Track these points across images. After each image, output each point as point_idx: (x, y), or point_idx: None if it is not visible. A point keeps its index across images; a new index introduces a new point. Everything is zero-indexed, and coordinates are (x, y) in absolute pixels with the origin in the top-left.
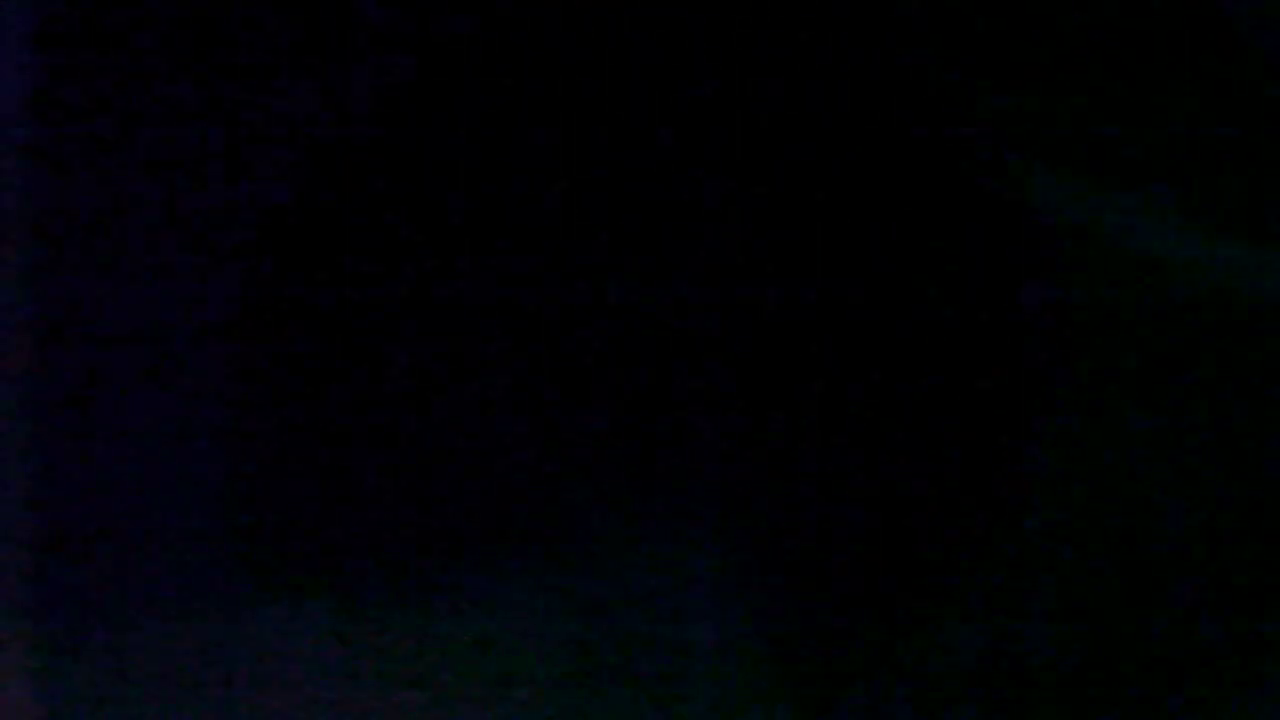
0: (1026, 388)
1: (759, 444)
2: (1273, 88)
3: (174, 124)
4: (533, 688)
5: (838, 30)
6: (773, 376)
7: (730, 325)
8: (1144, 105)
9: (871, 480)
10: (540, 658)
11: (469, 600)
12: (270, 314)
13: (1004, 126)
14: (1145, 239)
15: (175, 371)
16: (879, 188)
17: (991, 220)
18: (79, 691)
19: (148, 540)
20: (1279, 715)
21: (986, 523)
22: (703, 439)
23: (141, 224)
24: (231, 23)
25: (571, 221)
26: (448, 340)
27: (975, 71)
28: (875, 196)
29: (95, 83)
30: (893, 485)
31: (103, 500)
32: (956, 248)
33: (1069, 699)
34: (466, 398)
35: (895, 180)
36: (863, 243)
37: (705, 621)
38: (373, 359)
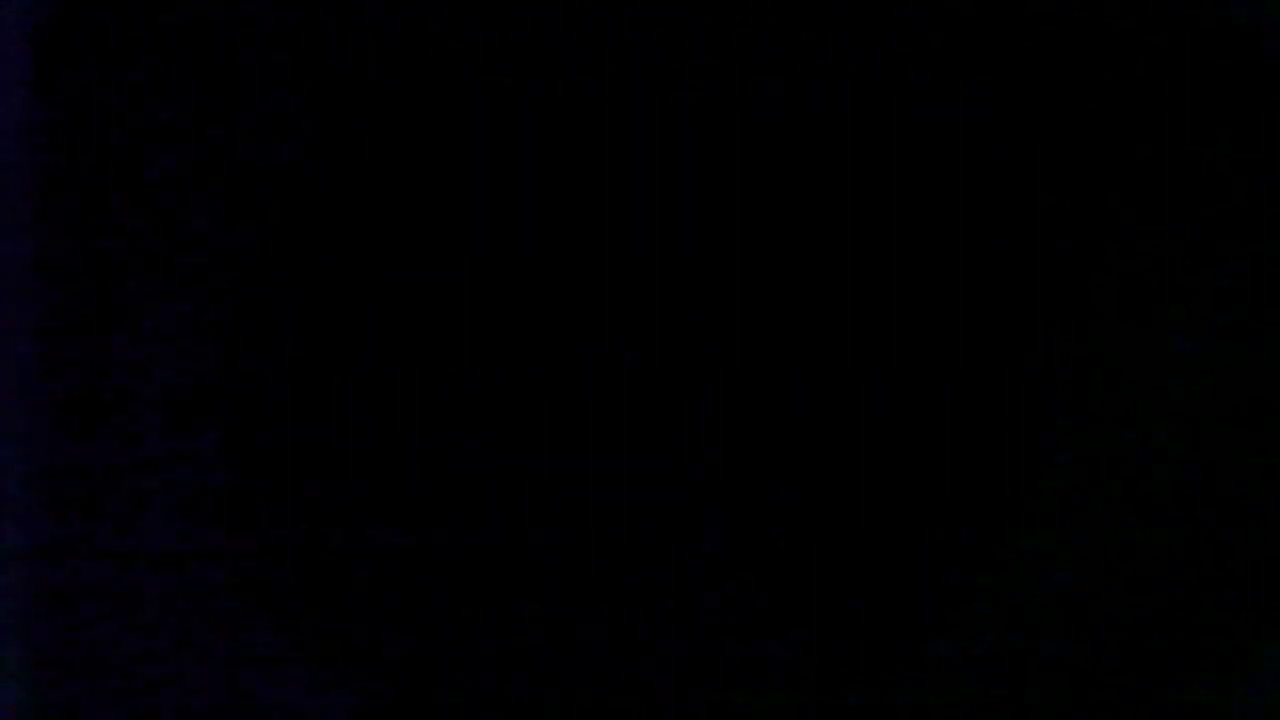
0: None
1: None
2: None
3: (175, 125)
4: None
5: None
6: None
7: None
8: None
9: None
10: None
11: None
12: (272, 316)
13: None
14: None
15: (178, 374)
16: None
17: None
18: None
19: (148, 544)
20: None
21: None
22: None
23: (142, 223)
24: (232, 26)
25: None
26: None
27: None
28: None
29: (95, 86)
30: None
31: (104, 505)
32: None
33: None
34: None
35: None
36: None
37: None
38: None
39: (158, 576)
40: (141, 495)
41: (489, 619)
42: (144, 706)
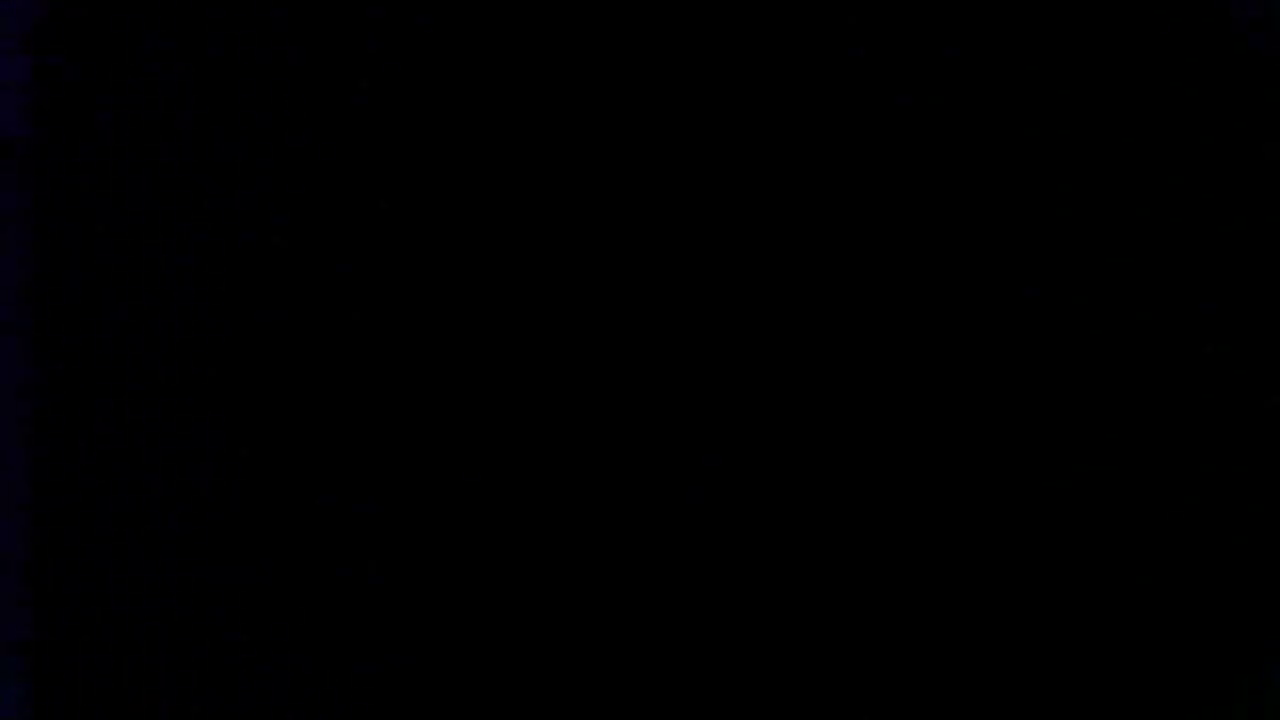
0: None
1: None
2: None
3: (176, 128)
4: None
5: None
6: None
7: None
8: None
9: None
10: None
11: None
12: (271, 320)
13: None
14: None
15: (179, 376)
16: None
17: None
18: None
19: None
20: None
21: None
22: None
23: (143, 226)
24: (234, 29)
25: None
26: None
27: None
28: None
29: (95, 86)
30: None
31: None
32: None
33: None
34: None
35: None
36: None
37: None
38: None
39: (158, 576)
40: (142, 495)
41: (500, 618)
42: (144, 705)
